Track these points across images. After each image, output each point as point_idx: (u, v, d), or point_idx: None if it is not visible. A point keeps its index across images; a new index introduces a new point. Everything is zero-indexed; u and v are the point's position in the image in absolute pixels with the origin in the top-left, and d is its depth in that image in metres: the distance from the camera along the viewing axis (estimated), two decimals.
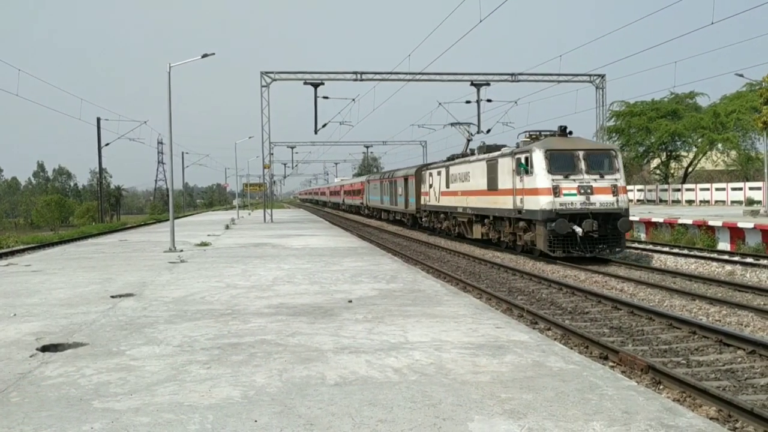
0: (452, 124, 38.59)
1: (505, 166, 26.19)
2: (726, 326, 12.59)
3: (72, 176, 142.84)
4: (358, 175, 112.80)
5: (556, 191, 22.86)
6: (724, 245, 27.88)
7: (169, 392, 6.58)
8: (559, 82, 42.58)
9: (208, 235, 32.40)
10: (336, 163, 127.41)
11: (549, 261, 23.64)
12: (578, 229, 22.60)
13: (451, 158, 35.56)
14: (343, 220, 65.47)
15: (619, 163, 23.97)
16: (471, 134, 38.24)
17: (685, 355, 10.85)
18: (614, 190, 23.28)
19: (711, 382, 9.20)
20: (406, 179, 45.20)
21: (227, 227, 41.28)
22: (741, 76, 40.51)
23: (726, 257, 23.09)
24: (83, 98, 54.85)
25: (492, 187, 27.56)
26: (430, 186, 37.90)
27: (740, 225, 27.53)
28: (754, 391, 8.93)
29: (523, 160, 24.23)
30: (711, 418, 7.44)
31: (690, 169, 67.19)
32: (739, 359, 10.48)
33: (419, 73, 40.40)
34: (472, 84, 41.58)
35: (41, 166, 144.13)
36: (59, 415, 5.97)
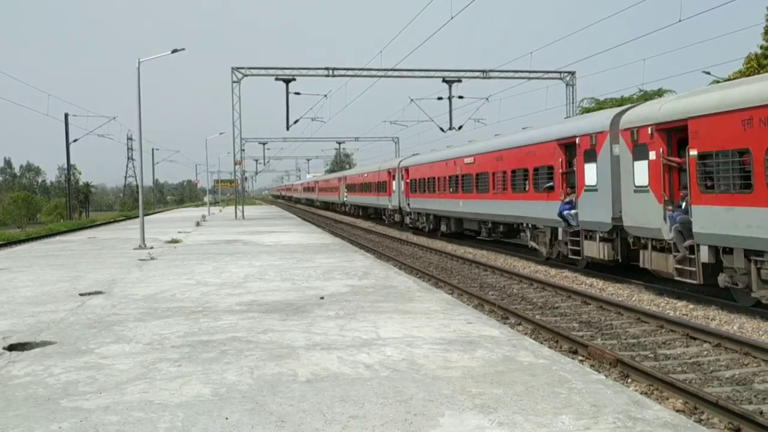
0: None
1: None
2: (693, 320, 12.80)
3: (40, 172, 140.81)
4: (331, 171, 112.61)
5: None
6: None
7: (139, 390, 6.53)
8: (530, 79, 42.82)
9: (179, 232, 32.14)
10: (308, 159, 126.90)
11: (520, 256, 23.82)
12: None
13: None
14: (316, 216, 65.31)
15: None
16: None
17: (652, 348, 11.02)
18: None
19: (678, 375, 9.35)
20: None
21: (198, 224, 40.99)
22: (708, 73, 41.00)
23: None
24: (50, 93, 53.98)
25: None
26: None
27: None
28: (719, 383, 9.09)
29: None
30: (677, 411, 7.56)
31: None
32: (705, 352, 10.67)
33: (391, 70, 40.38)
34: (444, 81, 41.65)
35: (8, 163, 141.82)
36: (26, 415, 5.89)
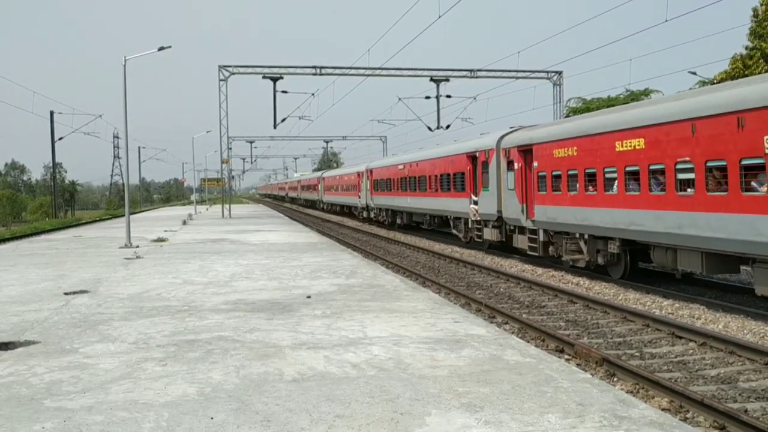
0: None
1: None
2: (678, 319, 12.86)
3: (25, 170, 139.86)
4: (318, 170, 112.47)
5: None
6: None
7: (124, 390, 6.48)
8: (517, 78, 42.85)
9: (165, 231, 31.98)
10: (295, 158, 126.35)
11: (507, 255, 23.90)
12: None
13: None
14: (302, 215, 65.18)
15: None
16: None
17: (638, 347, 11.06)
18: None
19: (663, 374, 9.40)
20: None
21: (184, 223, 40.81)
22: (694, 74, 41.23)
23: None
24: (36, 91, 53.60)
25: None
26: None
27: None
28: (704, 382, 9.14)
29: None
30: (663, 409, 7.60)
31: None
32: (691, 351, 10.73)
33: (379, 68, 40.29)
34: (432, 80, 41.61)
35: None
36: (9, 415, 5.83)
